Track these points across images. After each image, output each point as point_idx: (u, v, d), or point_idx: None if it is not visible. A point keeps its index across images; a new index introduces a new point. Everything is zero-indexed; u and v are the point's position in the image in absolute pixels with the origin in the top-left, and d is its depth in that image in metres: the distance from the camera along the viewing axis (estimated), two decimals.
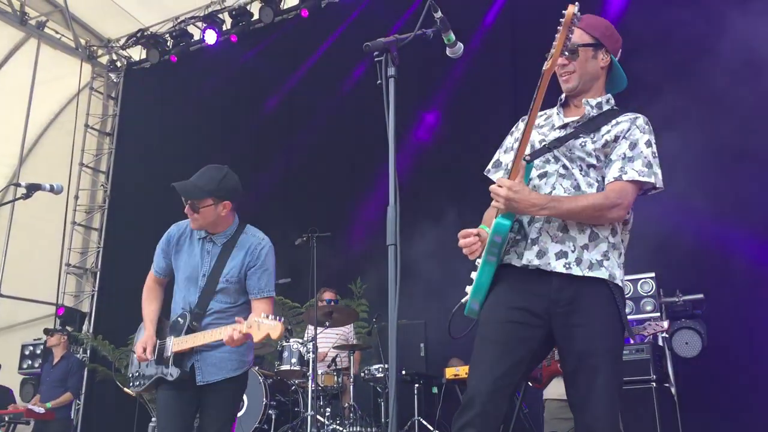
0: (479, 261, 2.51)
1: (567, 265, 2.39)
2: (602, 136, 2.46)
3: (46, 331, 8.39)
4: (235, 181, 3.40)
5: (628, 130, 2.46)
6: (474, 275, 2.54)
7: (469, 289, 2.53)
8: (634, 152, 2.42)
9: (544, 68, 2.32)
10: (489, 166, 2.76)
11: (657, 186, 2.43)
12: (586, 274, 2.38)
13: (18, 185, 3.73)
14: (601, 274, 2.39)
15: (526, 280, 2.43)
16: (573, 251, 2.40)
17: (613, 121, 2.48)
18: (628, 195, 2.40)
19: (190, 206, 3.33)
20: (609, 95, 2.60)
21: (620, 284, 2.46)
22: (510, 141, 2.73)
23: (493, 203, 2.41)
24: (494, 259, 2.45)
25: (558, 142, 2.48)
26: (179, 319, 3.36)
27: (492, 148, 2.81)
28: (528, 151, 2.53)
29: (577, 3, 2.27)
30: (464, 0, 7.72)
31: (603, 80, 2.59)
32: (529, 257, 2.43)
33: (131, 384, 3.50)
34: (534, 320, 2.40)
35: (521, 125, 2.70)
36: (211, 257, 3.41)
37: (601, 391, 2.31)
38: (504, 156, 2.72)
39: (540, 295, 2.41)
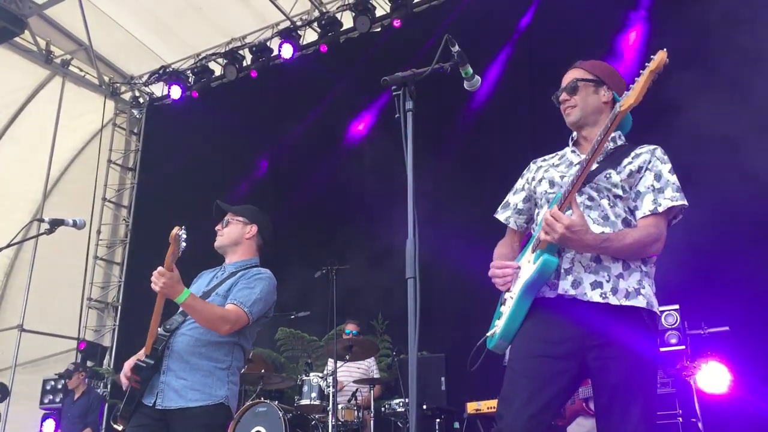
0: (509, 295, 2.49)
1: (603, 295, 2.39)
2: (625, 167, 2.51)
3: (63, 375, 8.30)
4: (268, 219, 3.62)
5: (650, 161, 2.51)
6: (504, 309, 2.51)
7: (498, 323, 2.51)
8: (661, 183, 2.47)
9: (616, 111, 2.34)
10: (499, 208, 2.82)
11: (685, 205, 2.47)
12: (623, 303, 2.39)
13: (41, 221, 3.75)
14: (639, 302, 2.40)
15: (558, 312, 2.41)
16: (608, 281, 2.41)
17: (633, 153, 2.55)
18: (664, 227, 2.45)
19: (221, 222, 3.51)
20: (619, 132, 2.65)
21: (657, 312, 2.46)
22: (521, 183, 2.78)
23: (542, 234, 2.38)
24: (532, 295, 2.43)
25: (590, 177, 2.48)
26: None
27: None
28: (547, 187, 2.59)
29: (665, 49, 2.29)
30: (481, 33, 7.79)
31: (608, 115, 2.59)
32: (565, 287, 2.42)
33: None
34: (567, 353, 2.38)
35: (533, 167, 2.77)
36: (217, 280, 3.46)
37: (635, 425, 2.29)
38: (512, 197, 2.78)
39: (573, 328, 2.39)
